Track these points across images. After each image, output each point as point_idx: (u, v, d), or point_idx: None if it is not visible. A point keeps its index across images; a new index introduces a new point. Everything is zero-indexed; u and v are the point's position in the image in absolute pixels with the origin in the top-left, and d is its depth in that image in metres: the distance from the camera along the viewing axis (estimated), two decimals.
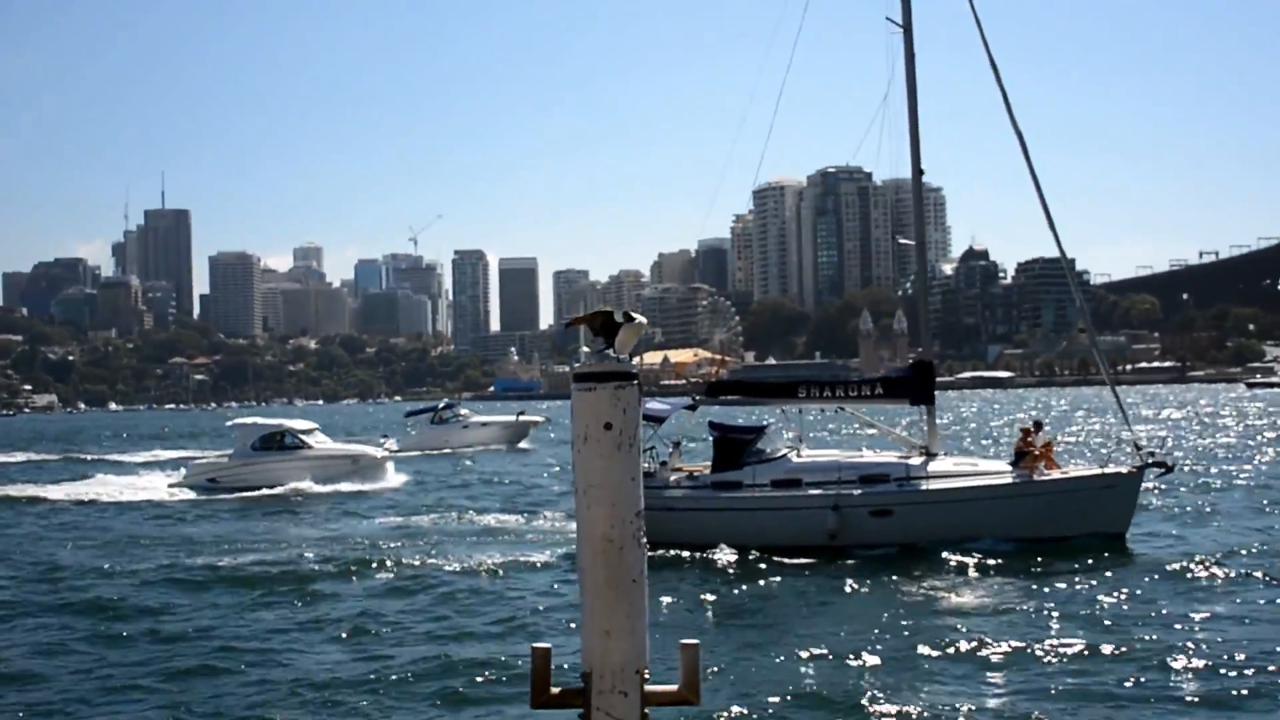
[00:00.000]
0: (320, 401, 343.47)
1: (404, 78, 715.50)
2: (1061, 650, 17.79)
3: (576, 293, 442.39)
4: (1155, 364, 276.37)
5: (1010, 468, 28.30)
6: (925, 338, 31.92)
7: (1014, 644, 18.17)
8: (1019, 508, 26.95)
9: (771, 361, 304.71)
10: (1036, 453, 27.92)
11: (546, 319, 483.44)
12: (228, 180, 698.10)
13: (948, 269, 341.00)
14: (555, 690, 4.79)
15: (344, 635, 20.37)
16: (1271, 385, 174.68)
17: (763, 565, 25.76)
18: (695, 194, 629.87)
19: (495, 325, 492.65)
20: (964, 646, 18.23)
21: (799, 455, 28.76)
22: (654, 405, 29.87)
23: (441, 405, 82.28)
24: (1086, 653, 17.64)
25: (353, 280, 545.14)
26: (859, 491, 27.04)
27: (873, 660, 17.53)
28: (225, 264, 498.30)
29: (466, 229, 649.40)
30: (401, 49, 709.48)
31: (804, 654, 17.99)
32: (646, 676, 4.74)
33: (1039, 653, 17.68)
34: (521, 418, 78.69)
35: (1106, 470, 28.59)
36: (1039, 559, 25.24)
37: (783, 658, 18.03)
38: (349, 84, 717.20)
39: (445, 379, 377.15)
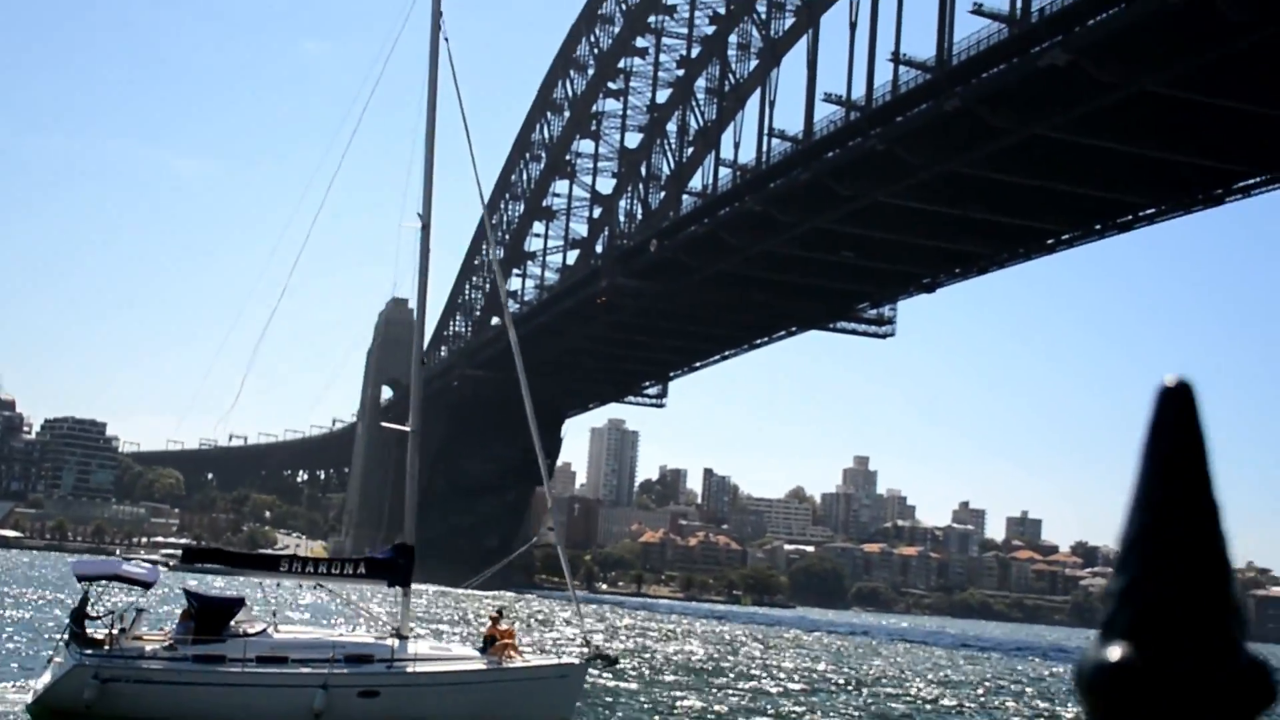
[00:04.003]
0: None
1: None
2: None
3: None
4: (173, 539, 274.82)
5: (480, 654, 29.23)
6: (409, 519, 31.52)
7: None
8: (492, 692, 28.42)
9: None
10: (503, 640, 29.50)
11: None
12: None
13: None
14: None
15: None
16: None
17: None
18: None
19: None
20: None
21: (277, 630, 28.07)
22: (132, 569, 28.24)
23: None
24: None
25: None
26: (348, 671, 26.83)
27: None
28: None
29: None
30: None
31: None
32: None
33: None
34: None
35: (562, 661, 30.96)
36: None
37: None
38: None
39: None
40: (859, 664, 66.56)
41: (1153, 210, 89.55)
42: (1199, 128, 73.69)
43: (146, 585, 27.37)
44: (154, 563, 31.12)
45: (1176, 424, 1.28)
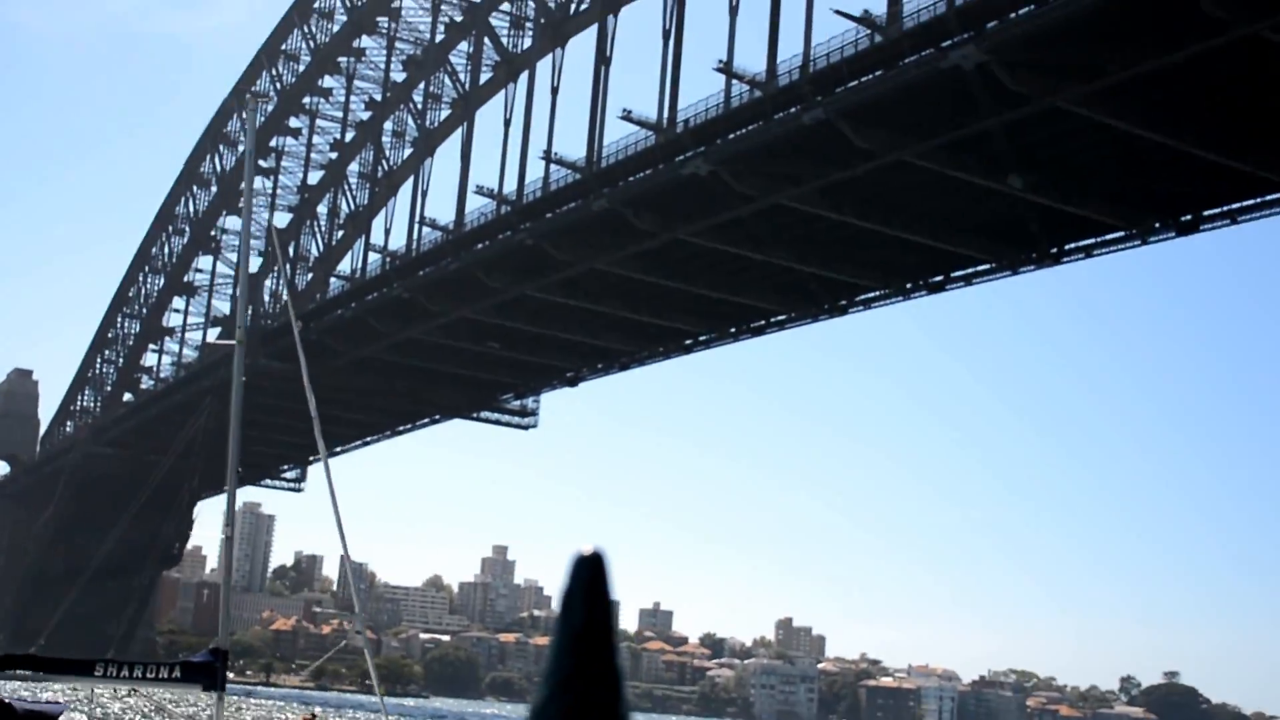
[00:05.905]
0: None
1: None
2: None
3: None
4: None
5: None
6: (223, 628, 30.67)
7: None
8: None
9: None
10: None
11: None
12: None
13: None
14: None
15: None
16: None
17: None
18: None
19: None
20: None
21: None
22: None
23: None
24: None
25: None
26: None
27: None
28: None
29: None
30: None
31: None
32: None
33: None
34: None
35: None
36: None
37: None
38: None
39: None
40: None
41: (783, 317, 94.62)
42: (826, 242, 78.82)
43: None
44: None
45: (586, 594, 1.39)
